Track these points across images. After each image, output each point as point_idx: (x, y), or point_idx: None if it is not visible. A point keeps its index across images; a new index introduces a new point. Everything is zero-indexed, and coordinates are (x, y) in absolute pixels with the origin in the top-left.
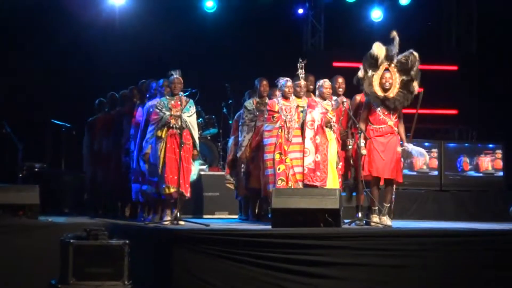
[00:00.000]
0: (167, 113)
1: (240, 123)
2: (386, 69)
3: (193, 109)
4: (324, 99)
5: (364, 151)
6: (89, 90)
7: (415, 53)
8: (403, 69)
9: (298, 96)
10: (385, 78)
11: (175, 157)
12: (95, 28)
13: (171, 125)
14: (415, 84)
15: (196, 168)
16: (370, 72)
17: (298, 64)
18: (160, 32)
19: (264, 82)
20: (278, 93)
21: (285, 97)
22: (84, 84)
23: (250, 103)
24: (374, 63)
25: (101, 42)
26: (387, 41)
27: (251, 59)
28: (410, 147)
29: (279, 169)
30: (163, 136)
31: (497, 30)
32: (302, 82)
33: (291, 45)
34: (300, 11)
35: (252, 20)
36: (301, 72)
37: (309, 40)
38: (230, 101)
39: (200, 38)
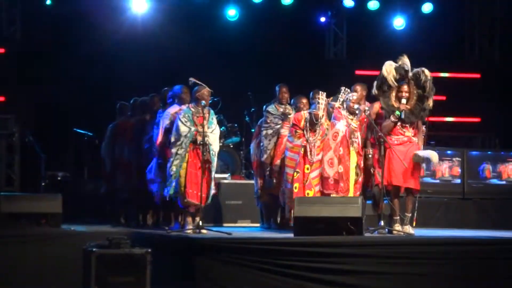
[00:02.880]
0: (193, 128)
1: (263, 128)
2: (404, 81)
3: (215, 123)
4: (351, 113)
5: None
6: (112, 99)
7: (426, 71)
8: (419, 83)
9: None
10: (403, 91)
11: (196, 171)
12: (118, 37)
13: (196, 141)
14: (430, 102)
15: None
16: (385, 88)
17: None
18: (182, 40)
19: (284, 89)
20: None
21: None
22: (107, 93)
23: (272, 108)
24: (384, 84)
25: (124, 51)
26: (410, 49)
27: (273, 68)
28: (420, 152)
29: (295, 187)
30: (184, 154)
31: None
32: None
33: (313, 54)
34: (323, 19)
35: (274, 28)
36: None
37: (331, 49)
38: (253, 109)
39: (222, 46)
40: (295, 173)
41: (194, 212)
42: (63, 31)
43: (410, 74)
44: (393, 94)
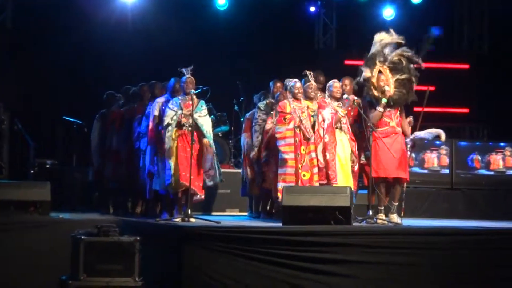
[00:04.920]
0: (179, 111)
1: (253, 124)
2: (379, 71)
3: (204, 110)
4: (336, 99)
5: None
6: (101, 87)
7: (409, 50)
8: (396, 68)
9: (309, 97)
10: (382, 80)
11: (187, 155)
12: (108, 26)
13: (182, 124)
14: (414, 80)
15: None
16: (369, 75)
17: (306, 72)
18: (171, 29)
19: (278, 84)
20: (288, 95)
21: (296, 98)
22: (96, 81)
23: (263, 104)
24: (372, 64)
25: (114, 40)
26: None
27: (262, 57)
28: (419, 134)
29: (292, 168)
30: (174, 137)
31: (509, 29)
32: (313, 83)
33: (302, 43)
34: (312, 9)
35: (264, 18)
36: (309, 73)
37: (320, 39)
38: (242, 98)
39: (212, 35)
40: (292, 155)
41: (184, 200)
42: (53, 19)
43: (387, 62)
44: (373, 85)
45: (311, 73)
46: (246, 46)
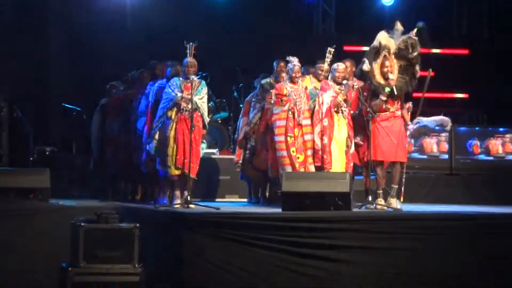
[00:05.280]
0: (179, 94)
1: (253, 101)
2: (385, 57)
3: (204, 91)
4: (338, 83)
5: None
6: (100, 74)
7: (414, 37)
8: (401, 55)
9: (318, 79)
10: (386, 67)
11: (185, 139)
12: (106, 13)
13: (181, 108)
14: (417, 69)
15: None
16: (372, 64)
17: (328, 50)
18: (170, 16)
19: (282, 64)
20: (285, 76)
21: (293, 81)
22: (95, 68)
23: (266, 82)
24: (376, 55)
25: (112, 27)
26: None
27: (262, 43)
28: (423, 120)
29: (293, 151)
30: (173, 117)
31: (508, 14)
32: (325, 66)
33: (302, 29)
34: None
35: (263, 3)
36: (328, 57)
37: (320, 24)
38: (241, 85)
39: (211, 22)
40: (289, 138)
41: (181, 185)
42: (53, 6)
43: (395, 47)
44: (377, 70)
45: (331, 55)
46: (245, 32)
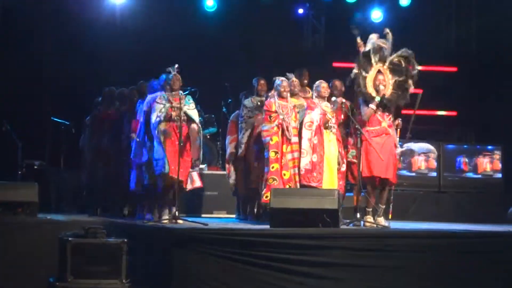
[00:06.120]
0: (168, 104)
1: (240, 122)
2: (379, 71)
3: (192, 104)
4: (323, 99)
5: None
6: (89, 88)
7: (409, 51)
8: (396, 70)
9: (293, 93)
10: (379, 80)
11: (175, 149)
12: (96, 27)
13: (171, 117)
14: (410, 82)
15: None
16: (363, 73)
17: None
18: (160, 30)
19: (262, 82)
20: (274, 92)
21: (282, 96)
22: (84, 82)
23: (248, 101)
24: (367, 62)
25: (102, 40)
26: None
27: (251, 59)
28: (410, 146)
29: (272, 167)
30: (163, 129)
31: (496, 32)
32: (294, 78)
33: (291, 45)
34: (301, 11)
35: (253, 19)
36: (289, 74)
37: (309, 40)
38: (230, 100)
39: (200, 37)
40: (273, 153)
41: (171, 201)
42: (40, 19)
43: (387, 62)
44: (369, 82)
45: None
46: (234, 48)
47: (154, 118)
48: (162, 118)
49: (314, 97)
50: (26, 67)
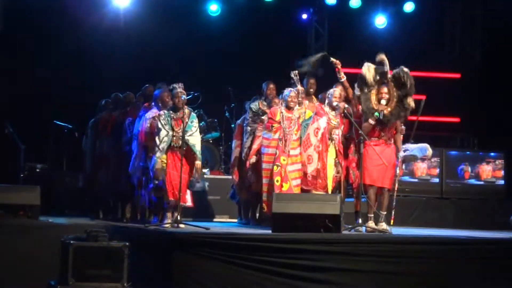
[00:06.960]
0: (170, 132)
1: (244, 125)
2: (384, 83)
3: (195, 124)
4: (333, 109)
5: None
6: (92, 91)
7: (405, 69)
8: (399, 83)
9: (298, 103)
10: (382, 93)
11: (177, 173)
12: (100, 31)
13: (173, 146)
14: (410, 100)
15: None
16: (366, 89)
17: (291, 74)
18: (164, 35)
19: (271, 86)
20: (281, 102)
21: (288, 107)
22: (87, 85)
23: (255, 105)
24: (364, 84)
25: (105, 44)
26: (391, 48)
27: (254, 63)
28: (410, 148)
29: (277, 181)
30: (165, 156)
31: (501, 38)
32: (300, 88)
33: (294, 50)
34: (304, 16)
35: (256, 24)
36: (296, 80)
37: (312, 45)
38: (233, 104)
39: (204, 41)
40: (275, 167)
41: (173, 207)
42: (44, 23)
43: (390, 75)
44: (374, 96)
45: (297, 78)
46: (237, 53)
47: (157, 142)
48: (165, 148)
49: (325, 103)
50: (29, 70)
